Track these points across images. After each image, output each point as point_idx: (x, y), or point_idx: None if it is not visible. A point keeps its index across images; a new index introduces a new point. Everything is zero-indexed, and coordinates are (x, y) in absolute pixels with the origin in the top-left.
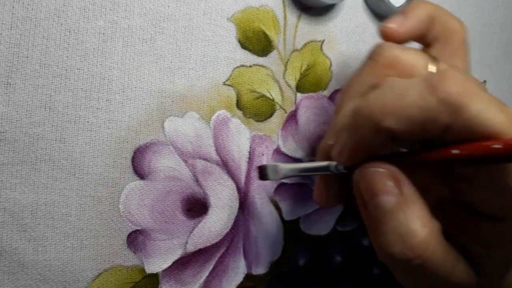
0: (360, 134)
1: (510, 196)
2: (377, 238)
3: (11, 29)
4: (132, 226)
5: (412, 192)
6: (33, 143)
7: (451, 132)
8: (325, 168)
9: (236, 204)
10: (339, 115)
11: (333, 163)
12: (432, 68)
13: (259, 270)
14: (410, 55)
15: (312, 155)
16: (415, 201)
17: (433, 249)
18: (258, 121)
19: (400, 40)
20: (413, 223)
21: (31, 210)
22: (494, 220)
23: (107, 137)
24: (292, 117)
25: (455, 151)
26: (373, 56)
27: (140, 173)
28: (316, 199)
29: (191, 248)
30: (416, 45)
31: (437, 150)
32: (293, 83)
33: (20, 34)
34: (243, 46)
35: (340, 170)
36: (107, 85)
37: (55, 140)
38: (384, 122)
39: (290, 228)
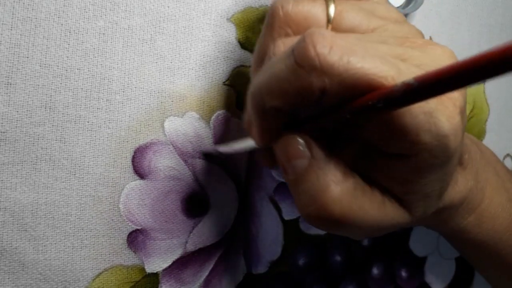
0: (260, 117)
1: (402, 135)
2: (295, 201)
3: (11, 30)
4: (132, 226)
5: (322, 153)
6: (33, 143)
7: (330, 94)
8: (254, 144)
9: (236, 204)
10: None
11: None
12: (330, 11)
13: (259, 269)
14: (301, 7)
15: None
16: (326, 161)
17: (348, 204)
18: None
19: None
20: (325, 182)
21: (32, 210)
22: (401, 158)
23: (107, 137)
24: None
25: (344, 114)
26: (268, 19)
27: (140, 172)
28: (258, 161)
29: (191, 247)
30: None
31: (331, 113)
32: None
33: (21, 34)
34: (243, 46)
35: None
36: (107, 85)
37: (56, 140)
38: (268, 103)
39: (290, 228)
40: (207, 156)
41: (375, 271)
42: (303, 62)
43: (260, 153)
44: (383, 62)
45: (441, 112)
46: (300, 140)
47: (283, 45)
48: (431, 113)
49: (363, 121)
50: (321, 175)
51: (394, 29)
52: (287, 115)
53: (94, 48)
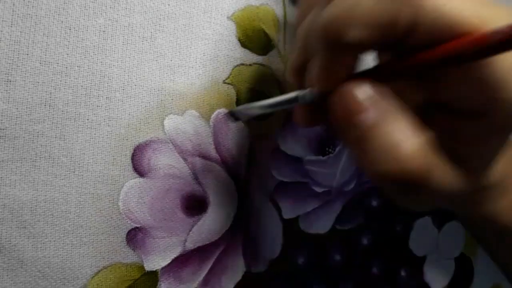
0: (332, 53)
1: (488, 87)
2: (364, 160)
3: (11, 26)
4: (132, 224)
5: (394, 103)
6: (33, 140)
7: (418, 33)
8: (295, 100)
9: (235, 202)
10: (304, 31)
11: (303, 92)
12: None
13: (258, 268)
14: None
15: (311, 153)
16: (399, 112)
17: (424, 162)
18: (257, 119)
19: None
20: (400, 135)
21: (31, 207)
22: (476, 116)
23: (107, 135)
24: (292, 116)
25: (432, 55)
26: None
27: (139, 170)
28: (297, 121)
29: (190, 246)
30: None
31: (415, 56)
32: None
33: (21, 32)
34: (243, 44)
35: (310, 99)
36: (107, 83)
37: (55, 137)
38: (348, 34)
39: (289, 227)
40: (231, 117)
41: (374, 270)
42: None
43: (301, 110)
44: (479, 5)
45: None
46: (368, 89)
47: None
48: None
49: (443, 72)
50: (395, 128)
51: None
52: (362, 54)
53: (94, 46)
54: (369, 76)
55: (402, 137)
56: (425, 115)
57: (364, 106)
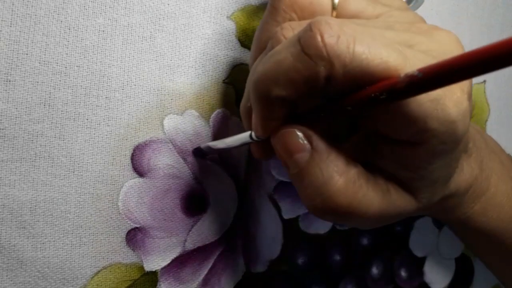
0: (263, 106)
1: (417, 121)
2: (300, 194)
3: (10, 26)
4: (131, 224)
5: (323, 144)
6: (32, 140)
7: (337, 83)
8: (249, 137)
9: (235, 203)
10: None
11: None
12: None
13: (258, 268)
14: None
15: None
16: (328, 152)
17: (352, 194)
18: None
19: None
20: (328, 174)
21: (30, 207)
22: (411, 144)
23: (106, 135)
24: None
25: (346, 105)
26: (272, 3)
27: (139, 170)
28: (254, 155)
29: (190, 246)
30: None
31: (334, 105)
32: None
33: (20, 31)
34: (243, 44)
35: (259, 138)
36: (107, 83)
37: (55, 137)
38: (272, 92)
39: (289, 227)
40: (197, 153)
41: (374, 270)
42: (310, 51)
43: (255, 146)
44: (390, 51)
45: (449, 98)
46: (299, 134)
47: (290, 28)
48: (438, 100)
49: (366, 112)
50: (324, 167)
51: (398, 15)
52: (291, 105)
53: (93, 46)
54: (303, 119)
55: (330, 174)
56: (369, 144)
57: (298, 147)
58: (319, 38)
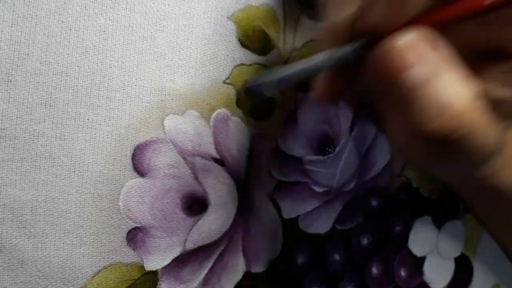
0: None
1: None
2: (409, 120)
3: (11, 27)
4: (132, 224)
5: (448, 54)
6: (33, 140)
7: None
8: (329, 60)
9: (235, 202)
10: None
11: (346, 48)
12: None
13: (258, 268)
14: None
15: (311, 153)
16: (451, 64)
17: (477, 118)
18: (258, 119)
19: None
20: (452, 90)
21: (31, 207)
22: None
23: (107, 135)
24: (292, 116)
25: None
26: None
27: (140, 170)
28: (318, 96)
29: (190, 245)
30: None
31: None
32: None
33: (21, 32)
34: (243, 44)
35: (352, 55)
36: (107, 83)
37: (55, 137)
38: None
39: (289, 227)
40: (251, 93)
41: (374, 270)
42: None
43: (325, 81)
44: None
45: None
46: (420, 41)
47: None
48: None
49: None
50: (446, 82)
51: None
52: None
53: (94, 46)
54: (421, 22)
55: (455, 93)
56: (473, 61)
57: (413, 61)
58: None
